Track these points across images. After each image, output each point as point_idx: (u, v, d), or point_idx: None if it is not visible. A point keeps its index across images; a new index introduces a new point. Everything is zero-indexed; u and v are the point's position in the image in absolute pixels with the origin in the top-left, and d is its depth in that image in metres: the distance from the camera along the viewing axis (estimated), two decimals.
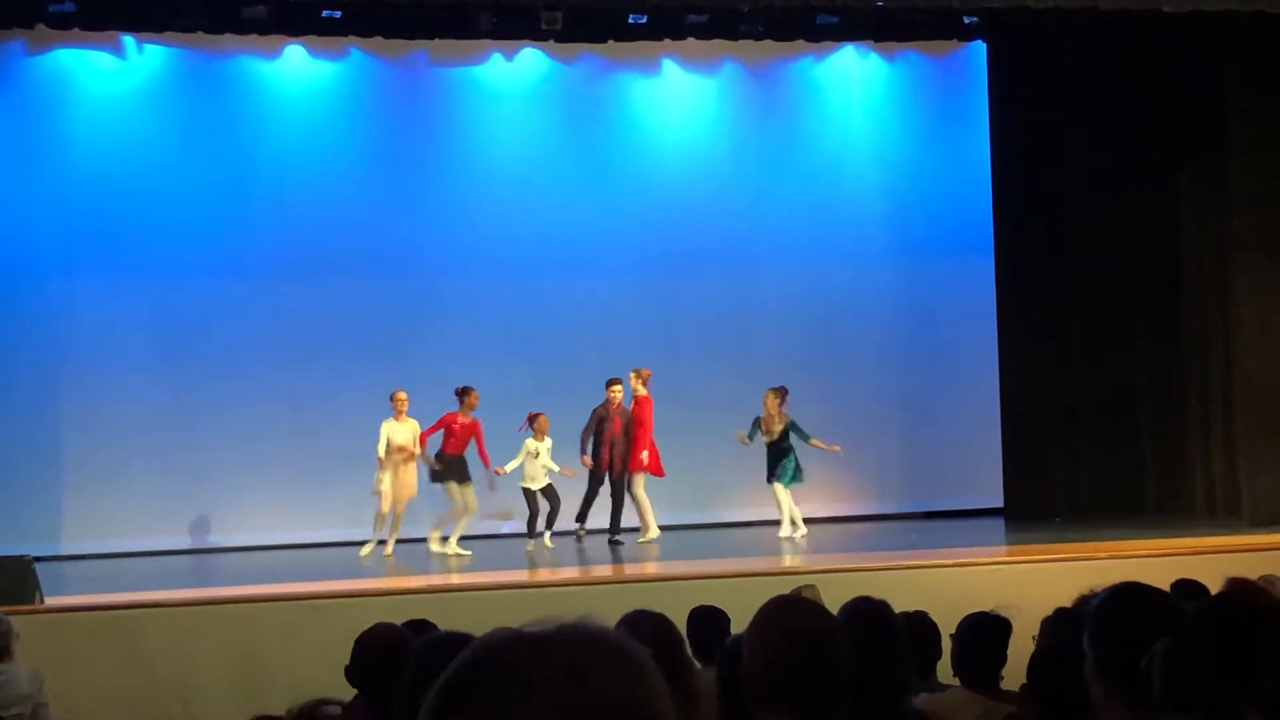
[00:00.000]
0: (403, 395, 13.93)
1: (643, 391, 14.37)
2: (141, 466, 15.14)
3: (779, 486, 14.40)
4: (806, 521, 15.29)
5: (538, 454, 13.96)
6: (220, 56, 15.56)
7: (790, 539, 14.25)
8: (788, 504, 14.44)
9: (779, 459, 14.41)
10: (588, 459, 14.23)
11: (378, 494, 13.80)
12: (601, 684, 1.39)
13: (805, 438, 14.42)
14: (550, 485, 14.04)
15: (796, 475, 14.45)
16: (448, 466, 13.80)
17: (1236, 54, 14.47)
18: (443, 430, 13.87)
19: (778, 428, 14.40)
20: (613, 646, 1.42)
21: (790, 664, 3.08)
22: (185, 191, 15.42)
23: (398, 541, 13.89)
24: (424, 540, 14.03)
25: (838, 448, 14.52)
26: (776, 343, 16.34)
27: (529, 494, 13.96)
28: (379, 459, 13.77)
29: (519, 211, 16.02)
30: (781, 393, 14.48)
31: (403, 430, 13.84)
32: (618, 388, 14.36)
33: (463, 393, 13.95)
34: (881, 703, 3.56)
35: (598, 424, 14.30)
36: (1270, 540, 12.34)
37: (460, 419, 13.86)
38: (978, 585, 10.36)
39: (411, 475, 13.89)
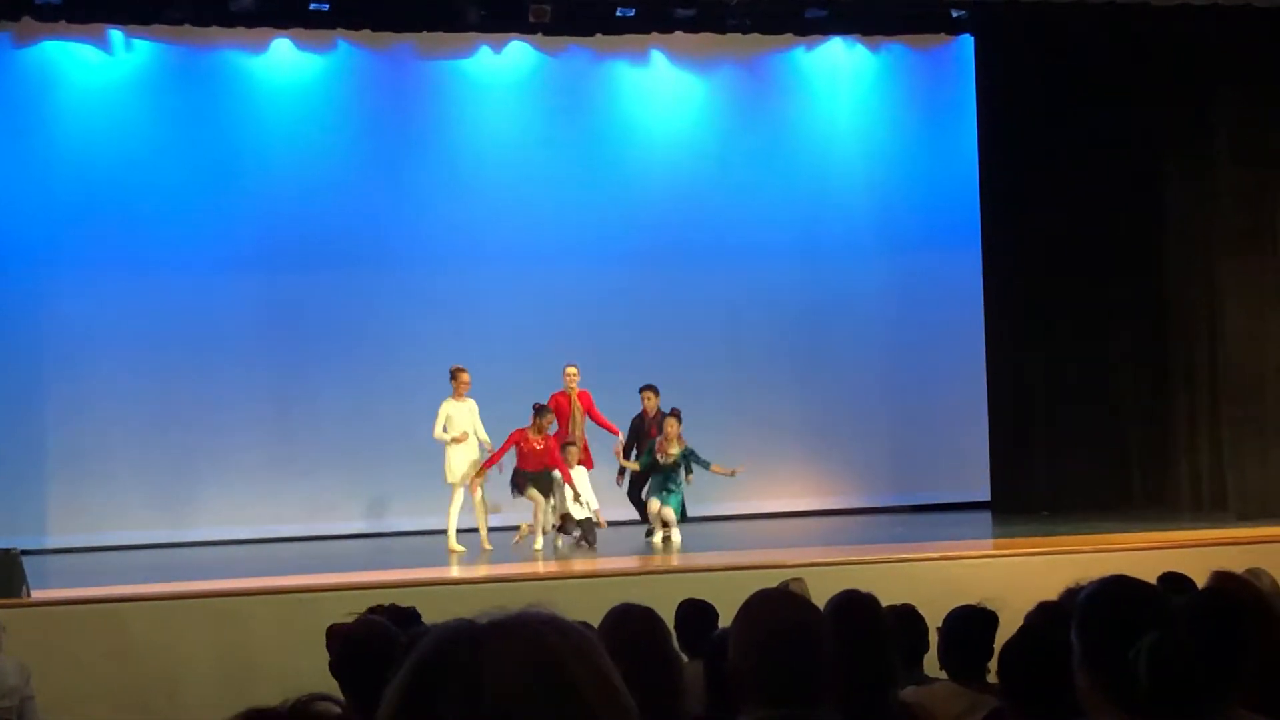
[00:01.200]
0: (466, 376, 13.46)
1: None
2: (127, 460, 15.11)
3: (667, 510, 13.59)
4: (794, 515, 15.33)
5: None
6: (207, 50, 15.53)
7: (666, 539, 13.62)
8: (660, 516, 13.66)
9: (670, 487, 13.66)
10: (631, 462, 13.93)
11: (453, 485, 13.37)
12: (564, 664, 1.39)
13: (705, 465, 13.71)
14: (590, 520, 13.46)
15: (684, 514, 13.71)
16: (525, 479, 13.36)
17: (1222, 49, 14.49)
18: (514, 449, 13.40)
19: (674, 451, 13.62)
20: (565, 628, 1.42)
21: (775, 657, 3.08)
22: (171, 185, 15.39)
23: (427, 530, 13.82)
24: (421, 533, 14.06)
25: (741, 467, 13.86)
26: (763, 335, 16.37)
27: (566, 519, 13.49)
28: (438, 439, 13.30)
29: (506, 204, 16.00)
30: (679, 415, 13.79)
31: (463, 411, 13.36)
32: (651, 394, 14.05)
33: (539, 411, 13.43)
34: (868, 695, 3.57)
35: (637, 436, 14.05)
36: (1256, 533, 12.38)
37: (531, 438, 13.33)
38: (965, 578, 10.38)
39: (475, 456, 13.38)
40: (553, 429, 13.62)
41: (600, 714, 1.38)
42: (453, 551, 13.19)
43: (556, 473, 13.37)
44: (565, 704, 1.37)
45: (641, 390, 14.22)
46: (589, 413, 14.13)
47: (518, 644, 1.39)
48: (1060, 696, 3.41)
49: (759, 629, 3.15)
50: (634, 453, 14.09)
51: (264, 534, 14.89)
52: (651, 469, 13.75)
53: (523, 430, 13.38)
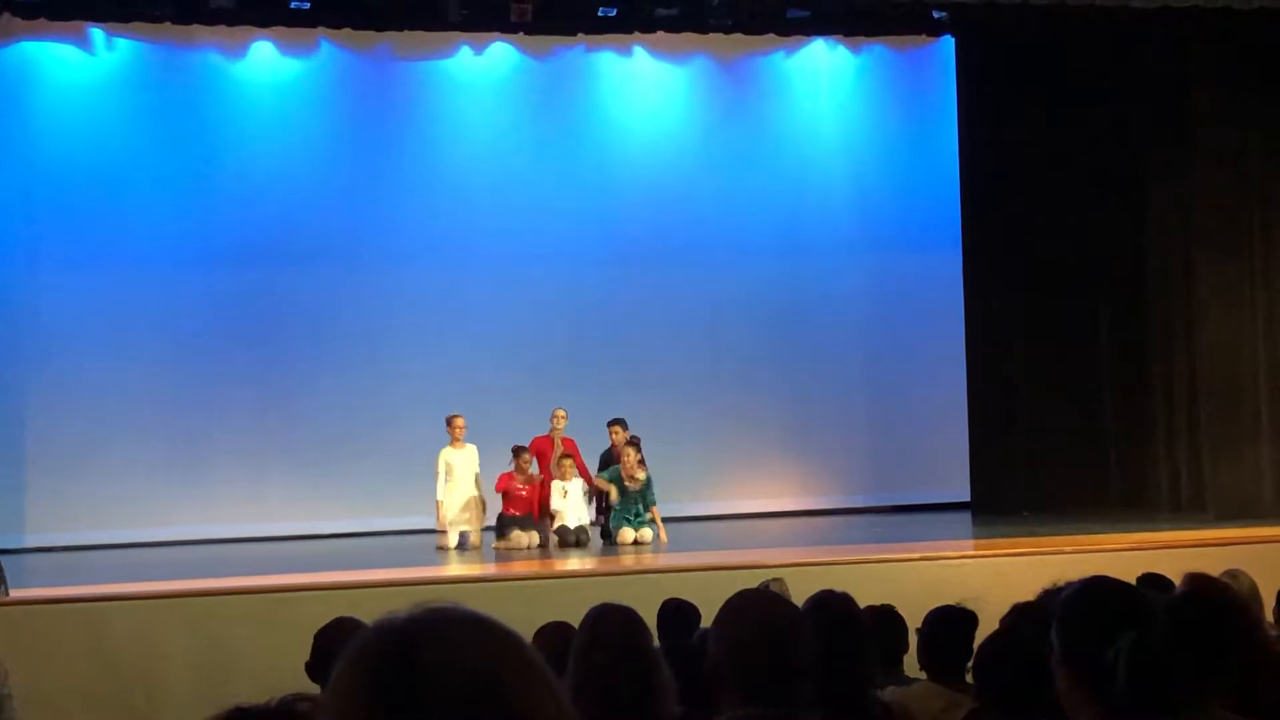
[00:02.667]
0: (461, 421, 13.35)
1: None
2: (107, 458, 15.07)
3: (644, 531, 13.38)
4: (774, 515, 15.31)
5: (565, 494, 13.47)
6: (188, 49, 15.49)
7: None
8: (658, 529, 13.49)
9: (637, 514, 13.46)
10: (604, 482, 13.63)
11: (444, 530, 13.30)
12: (513, 646, 1.37)
13: (653, 501, 13.53)
14: (584, 527, 13.41)
15: (657, 538, 13.42)
16: (510, 525, 13.30)
17: (1200, 51, 14.53)
18: (502, 496, 13.34)
19: (641, 476, 13.47)
20: (488, 620, 1.39)
21: (754, 657, 3.09)
22: (153, 184, 15.36)
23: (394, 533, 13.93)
24: (401, 533, 14.09)
25: (664, 540, 13.44)
26: (744, 334, 16.39)
27: (563, 530, 13.40)
28: (438, 496, 13.21)
29: (487, 204, 16.00)
30: (638, 444, 13.58)
31: (461, 458, 13.30)
32: (619, 429, 13.83)
33: (516, 453, 13.37)
34: (847, 695, 3.58)
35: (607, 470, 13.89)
36: (1234, 534, 12.39)
37: (517, 480, 13.31)
38: (944, 579, 10.38)
39: (472, 501, 13.32)
40: (533, 467, 13.57)
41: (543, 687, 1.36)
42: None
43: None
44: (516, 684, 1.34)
45: (609, 425, 13.98)
46: (573, 459, 13.76)
47: (457, 632, 1.36)
48: (1037, 697, 3.42)
49: (739, 629, 3.16)
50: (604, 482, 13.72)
51: (244, 533, 14.85)
52: (620, 497, 13.54)
53: (509, 474, 13.35)
